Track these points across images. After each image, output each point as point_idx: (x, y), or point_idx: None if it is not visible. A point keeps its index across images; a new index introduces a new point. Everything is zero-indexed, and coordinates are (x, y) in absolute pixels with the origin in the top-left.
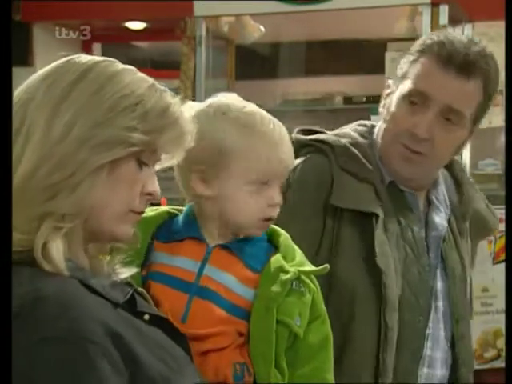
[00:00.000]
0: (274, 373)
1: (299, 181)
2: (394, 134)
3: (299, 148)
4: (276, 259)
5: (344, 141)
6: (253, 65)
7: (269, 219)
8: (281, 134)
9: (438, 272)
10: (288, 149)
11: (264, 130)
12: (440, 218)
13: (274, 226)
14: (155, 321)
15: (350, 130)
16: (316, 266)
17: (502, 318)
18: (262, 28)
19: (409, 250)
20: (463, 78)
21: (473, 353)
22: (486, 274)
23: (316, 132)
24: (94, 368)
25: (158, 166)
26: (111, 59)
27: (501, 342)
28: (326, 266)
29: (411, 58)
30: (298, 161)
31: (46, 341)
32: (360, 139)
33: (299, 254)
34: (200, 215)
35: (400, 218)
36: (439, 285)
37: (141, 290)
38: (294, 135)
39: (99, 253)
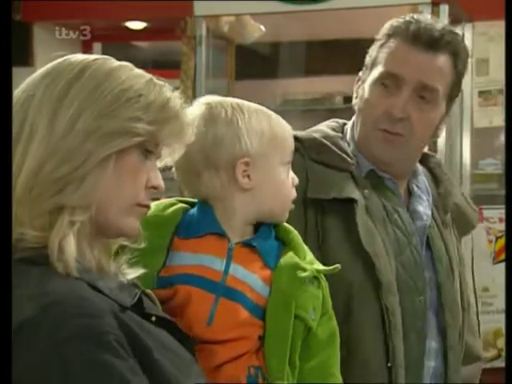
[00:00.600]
0: (287, 370)
1: None
2: (372, 121)
3: None
4: (290, 256)
5: (314, 134)
6: (253, 64)
7: (293, 200)
8: None
9: (425, 262)
10: None
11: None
12: (423, 207)
13: (284, 224)
14: (162, 323)
15: (321, 126)
16: None
17: (502, 317)
18: (262, 28)
19: (398, 233)
20: (432, 53)
21: (468, 344)
22: (486, 274)
23: None
24: (122, 358)
25: (159, 163)
26: (107, 57)
27: (501, 342)
28: (337, 266)
29: (378, 43)
30: None
31: (71, 339)
32: (331, 132)
33: (309, 253)
34: (224, 212)
35: (384, 202)
36: (426, 275)
37: (148, 291)
38: None
39: (105, 252)
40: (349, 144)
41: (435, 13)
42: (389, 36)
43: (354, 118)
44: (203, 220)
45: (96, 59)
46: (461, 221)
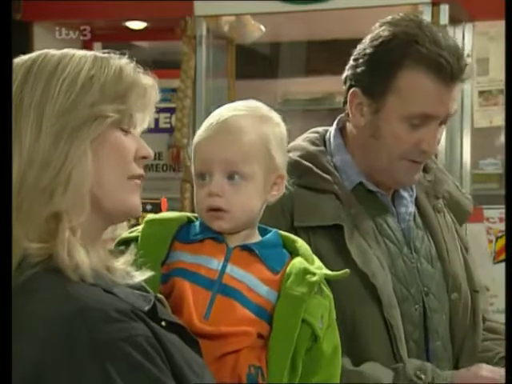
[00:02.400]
0: (286, 374)
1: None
2: (400, 153)
3: None
4: (299, 261)
5: (294, 156)
6: (253, 64)
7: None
8: None
9: None
10: None
11: None
12: (405, 207)
13: (288, 233)
14: (172, 327)
15: (301, 141)
16: None
17: (503, 317)
18: (262, 27)
19: (389, 244)
20: (456, 84)
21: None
22: (487, 274)
23: None
24: (155, 361)
25: (139, 130)
26: (45, 51)
27: None
28: (346, 270)
29: (386, 68)
30: None
31: (108, 343)
32: (311, 148)
33: (316, 260)
34: None
35: (373, 214)
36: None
37: (160, 296)
38: None
39: (108, 253)
40: (332, 155)
41: (435, 13)
42: (398, 63)
43: (335, 124)
44: (203, 227)
45: (36, 58)
46: (456, 209)
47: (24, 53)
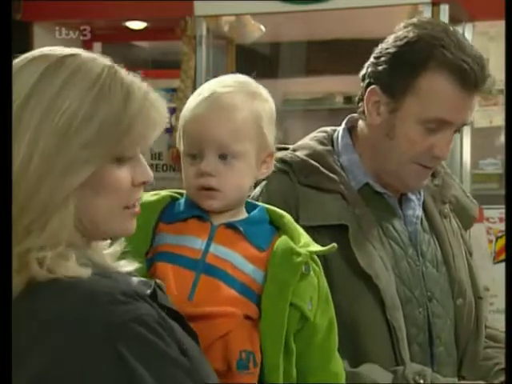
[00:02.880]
0: (281, 360)
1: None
2: (412, 156)
3: None
4: (284, 240)
5: (301, 154)
6: (253, 64)
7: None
8: None
9: None
10: None
11: None
12: (413, 210)
13: (275, 208)
14: (172, 315)
15: (309, 140)
16: None
17: (503, 317)
18: (262, 27)
19: (394, 245)
20: (476, 93)
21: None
22: (487, 274)
23: (281, 149)
24: (166, 339)
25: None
26: (54, 56)
27: None
28: (334, 244)
29: (409, 69)
30: (262, 183)
31: (120, 325)
32: (318, 147)
33: (304, 235)
34: None
35: (378, 215)
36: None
37: (160, 282)
38: None
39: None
40: (340, 155)
41: (435, 13)
42: (423, 64)
43: (344, 123)
44: (187, 205)
45: (38, 81)
46: (462, 214)
47: (24, 53)
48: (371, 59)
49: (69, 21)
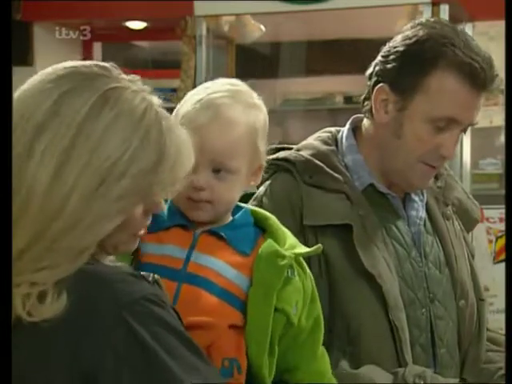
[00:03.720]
0: (266, 359)
1: (273, 207)
2: (418, 155)
3: (268, 166)
4: (269, 243)
5: (306, 154)
6: (253, 64)
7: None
8: None
9: None
10: None
11: None
12: (416, 211)
13: (260, 209)
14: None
15: (313, 140)
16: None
17: (503, 317)
18: (262, 27)
19: (398, 246)
20: (484, 93)
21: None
22: (487, 274)
23: (285, 148)
24: (170, 310)
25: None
26: (101, 105)
27: None
28: (319, 245)
29: (419, 67)
30: (267, 182)
31: (133, 302)
32: (323, 147)
33: (290, 237)
34: None
35: (382, 216)
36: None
37: (157, 277)
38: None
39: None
40: (344, 155)
41: (435, 13)
42: (432, 62)
43: (348, 124)
44: (170, 214)
45: (84, 119)
46: (464, 216)
47: (24, 52)
48: (379, 58)
49: (69, 21)
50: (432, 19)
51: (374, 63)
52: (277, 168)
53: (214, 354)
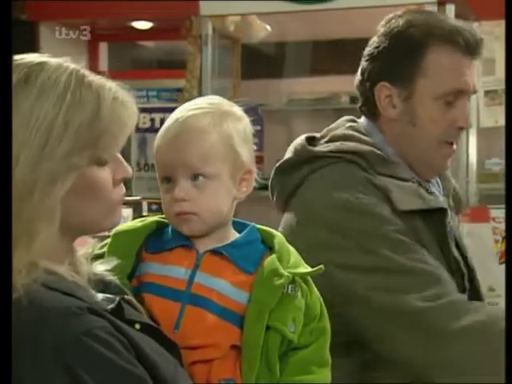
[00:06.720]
0: (253, 380)
1: (361, 200)
2: (436, 136)
3: (310, 159)
4: (271, 261)
5: (365, 147)
6: (259, 64)
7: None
8: None
9: None
10: None
11: None
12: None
13: (266, 228)
14: (146, 330)
15: (352, 131)
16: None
17: None
18: (267, 27)
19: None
20: (475, 59)
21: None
22: (492, 274)
23: (313, 138)
24: (119, 351)
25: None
26: (27, 73)
27: None
28: (321, 266)
29: (411, 52)
30: (315, 174)
31: (73, 339)
32: (365, 138)
33: (294, 255)
34: None
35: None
36: None
37: (128, 298)
38: (302, 144)
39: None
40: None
41: (441, 12)
42: (424, 43)
43: (363, 120)
44: (174, 234)
45: (15, 88)
46: (457, 204)
47: (30, 52)
48: (363, 63)
49: (74, 21)
50: (402, 11)
51: (360, 70)
52: (332, 160)
53: (211, 374)
